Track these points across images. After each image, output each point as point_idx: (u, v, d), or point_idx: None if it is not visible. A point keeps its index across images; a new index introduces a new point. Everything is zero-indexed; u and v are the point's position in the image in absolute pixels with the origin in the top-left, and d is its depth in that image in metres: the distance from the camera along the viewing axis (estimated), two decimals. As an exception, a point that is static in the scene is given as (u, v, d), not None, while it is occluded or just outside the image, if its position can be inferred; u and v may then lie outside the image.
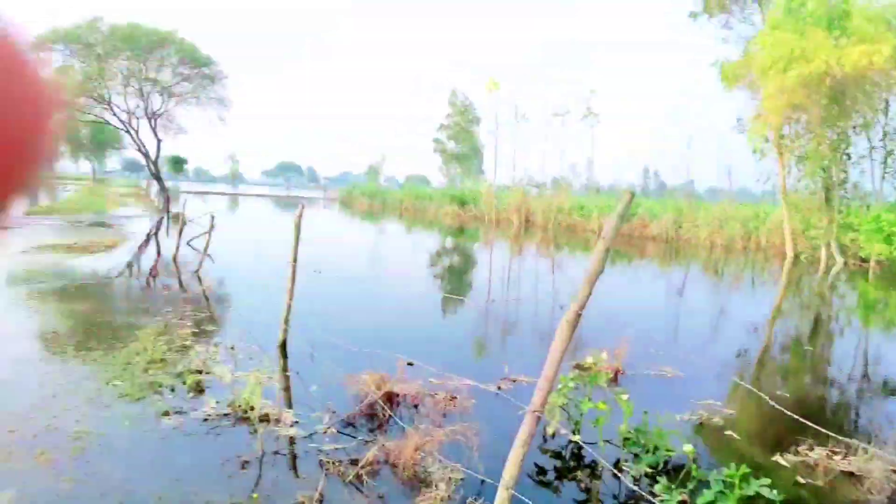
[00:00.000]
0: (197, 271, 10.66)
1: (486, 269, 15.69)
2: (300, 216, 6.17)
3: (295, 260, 6.15)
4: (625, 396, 4.33)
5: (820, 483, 3.90)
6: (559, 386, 4.27)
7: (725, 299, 13.18)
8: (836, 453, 4.18)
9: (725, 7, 24.70)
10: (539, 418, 3.01)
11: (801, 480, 3.91)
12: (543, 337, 8.07)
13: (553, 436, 4.36)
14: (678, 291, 13.64)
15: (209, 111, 39.07)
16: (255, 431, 3.96)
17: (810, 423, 3.05)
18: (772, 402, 3.14)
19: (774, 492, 3.17)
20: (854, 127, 22.74)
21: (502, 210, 37.05)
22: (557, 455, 4.15)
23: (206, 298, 8.87)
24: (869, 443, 4.36)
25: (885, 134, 23.18)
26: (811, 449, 4.25)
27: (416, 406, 4.70)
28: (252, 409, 4.12)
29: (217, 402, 4.45)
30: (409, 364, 5.14)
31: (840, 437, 3.22)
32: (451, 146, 66.78)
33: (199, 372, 5.07)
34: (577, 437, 4.19)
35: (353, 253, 17.35)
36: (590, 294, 2.91)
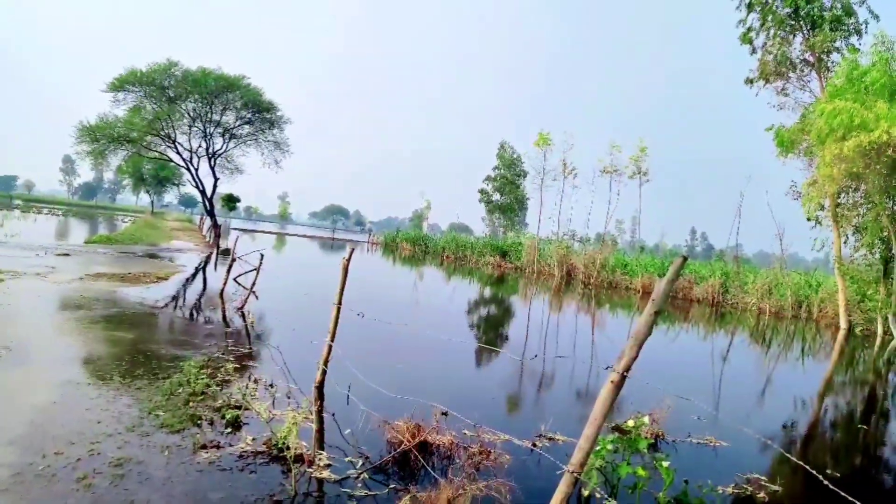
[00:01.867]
0: (241, 307, 10.91)
1: (525, 322, 15.54)
2: (349, 259, 6.23)
3: (340, 302, 6.24)
4: (665, 463, 4.19)
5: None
6: (597, 447, 4.16)
7: (773, 368, 12.65)
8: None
9: (782, 74, 24.54)
10: (577, 479, 2.94)
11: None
12: (581, 395, 7.91)
13: (588, 499, 4.23)
14: (723, 357, 13.18)
15: (267, 154, 40.70)
16: (289, 471, 3.98)
17: (866, 508, 2.89)
18: (826, 482, 2.98)
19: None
20: (917, 199, 21.96)
21: (544, 263, 36.89)
22: (593, 520, 4.01)
23: (248, 335, 9.06)
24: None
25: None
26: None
27: (449, 457, 4.64)
28: (287, 448, 4.14)
29: (253, 439, 4.50)
30: (444, 414, 5.10)
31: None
32: (496, 197, 67.38)
33: (238, 407, 5.15)
34: (613, 503, 4.05)
35: (394, 297, 17.48)
36: (636, 357, 2.88)
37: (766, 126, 24.56)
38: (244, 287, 12.24)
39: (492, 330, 13.79)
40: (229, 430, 4.72)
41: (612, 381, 3.00)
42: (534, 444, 5.20)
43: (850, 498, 2.87)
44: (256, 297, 11.75)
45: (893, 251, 21.85)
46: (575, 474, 2.96)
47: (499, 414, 6.52)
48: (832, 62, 23.52)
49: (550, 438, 5.45)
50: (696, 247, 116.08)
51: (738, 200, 31.62)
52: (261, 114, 38.85)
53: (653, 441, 5.60)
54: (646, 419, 5.33)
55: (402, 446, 4.46)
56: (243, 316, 10.28)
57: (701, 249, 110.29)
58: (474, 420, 5.14)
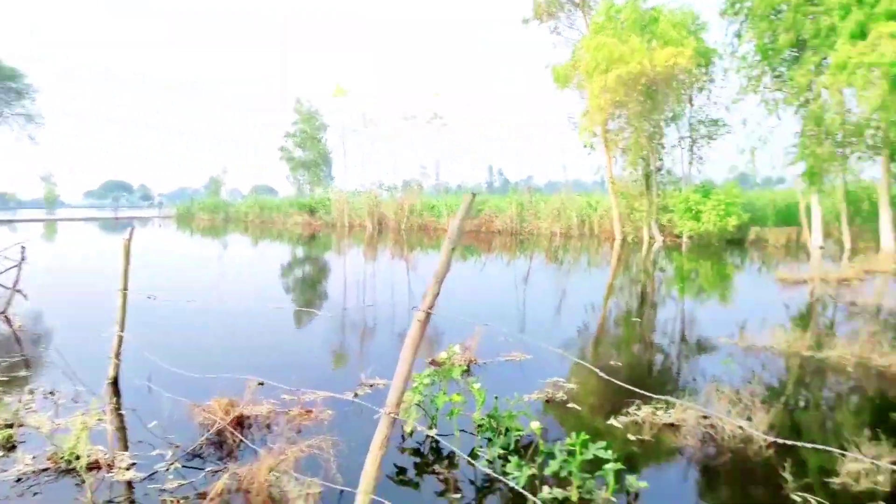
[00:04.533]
0: (4, 311, 9.33)
1: (341, 277, 15.49)
2: (129, 239, 5.63)
3: (125, 287, 5.62)
4: (476, 385, 4.51)
5: (647, 437, 4.38)
6: (414, 384, 4.33)
7: (566, 282, 14.23)
8: (658, 410, 4.74)
9: (553, 14, 26.66)
10: (395, 419, 3.02)
11: (632, 437, 4.36)
12: (401, 338, 8.14)
13: (411, 434, 4.41)
14: (524, 280, 14.46)
15: (17, 129, 34.47)
16: (83, 482, 3.55)
17: (637, 390, 3.42)
18: (601, 374, 3.45)
19: (609, 451, 3.49)
20: (665, 119, 25.70)
21: (354, 215, 36.85)
22: (416, 452, 4.20)
23: (18, 340, 7.80)
24: (684, 396, 5.02)
25: (690, 125, 26.42)
26: (639, 409, 4.79)
27: (269, 426, 4.51)
28: (78, 457, 3.68)
29: (34, 457, 3.92)
30: (260, 384, 4.91)
31: (661, 397, 3.64)
32: (298, 154, 64.90)
33: (10, 426, 4.42)
34: (433, 432, 4.27)
35: (192, 273, 16.22)
36: (438, 293, 3.00)
37: (544, 64, 26.82)
38: (5, 287, 10.43)
39: (309, 289, 13.53)
40: (1, 453, 4.05)
41: (418, 320, 3.11)
42: (355, 395, 5.26)
43: (623, 384, 3.36)
44: (25, 297, 10.10)
45: (651, 167, 25.52)
46: (392, 415, 3.04)
47: (321, 373, 6.45)
48: (594, 1, 26.10)
49: (371, 385, 5.55)
50: (494, 183, 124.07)
51: (528, 135, 34.29)
52: (3, 83, 32.58)
53: (466, 368, 5.99)
54: (457, 348, 5.67)
55: (216, 426, 4.22)
56: (8, 321, 8.81)
57: (499, 185, 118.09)
58: (294, 384, 5.04)
